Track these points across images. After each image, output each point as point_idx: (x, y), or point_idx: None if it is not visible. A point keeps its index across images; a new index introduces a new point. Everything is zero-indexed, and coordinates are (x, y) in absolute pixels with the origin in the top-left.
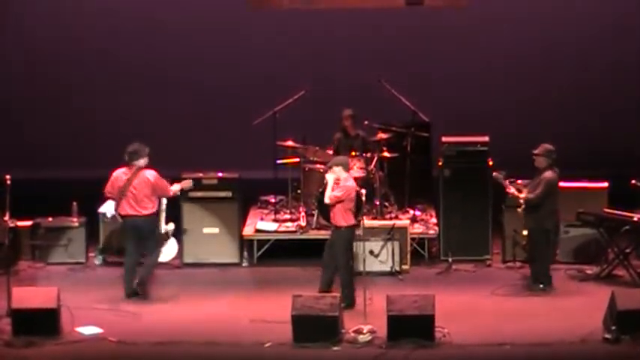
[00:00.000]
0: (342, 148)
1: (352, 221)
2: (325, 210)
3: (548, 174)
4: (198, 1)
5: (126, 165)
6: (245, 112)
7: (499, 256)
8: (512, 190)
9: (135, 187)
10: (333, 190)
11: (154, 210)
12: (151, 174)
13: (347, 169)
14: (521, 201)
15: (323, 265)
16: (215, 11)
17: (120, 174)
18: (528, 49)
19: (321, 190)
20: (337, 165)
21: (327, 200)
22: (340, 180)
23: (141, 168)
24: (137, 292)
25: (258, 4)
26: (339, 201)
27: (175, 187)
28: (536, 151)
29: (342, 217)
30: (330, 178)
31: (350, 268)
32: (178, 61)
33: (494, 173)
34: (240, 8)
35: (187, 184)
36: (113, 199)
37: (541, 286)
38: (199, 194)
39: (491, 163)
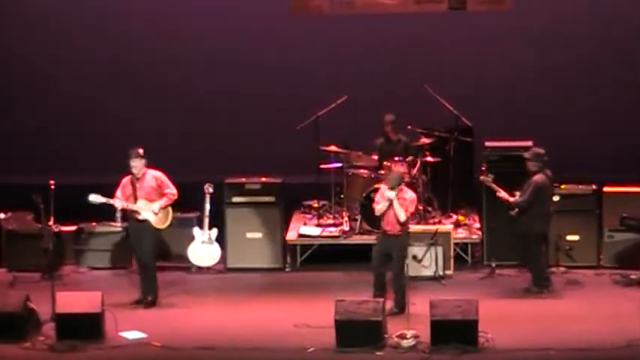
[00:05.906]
0: (385, 153)
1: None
2: (368, 215)
3: (538, 177)
4: (240, 7)
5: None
6: (288, 117)
7: None
8: (502, 193)
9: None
10: (401, 206)
11: None
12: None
13: (400, 182)
14: (512, 205)
15: (375, 270)
16: (257, 17)
17: None
18: (573, 52)
19: (365, 194)
20: (393, 182)
21: (403, 219)
22: (401, 194)
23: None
24: None
25: (300, 10)
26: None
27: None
28: (526, 155)
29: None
30: (391, 195)
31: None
32: (222, 66)
33: (481, 177)
34: (282, 13)
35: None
36: None
37: (535, 289)
38: (243, 199)
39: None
